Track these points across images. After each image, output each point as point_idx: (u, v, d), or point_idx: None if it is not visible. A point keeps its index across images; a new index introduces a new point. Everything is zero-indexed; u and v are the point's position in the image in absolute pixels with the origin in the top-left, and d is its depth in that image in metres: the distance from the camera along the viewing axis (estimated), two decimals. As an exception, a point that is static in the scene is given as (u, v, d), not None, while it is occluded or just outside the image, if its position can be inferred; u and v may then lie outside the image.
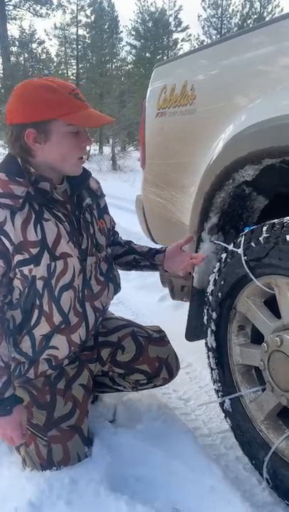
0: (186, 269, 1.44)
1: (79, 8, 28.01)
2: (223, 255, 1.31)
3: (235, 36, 1.37)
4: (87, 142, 1.22)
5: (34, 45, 29.69)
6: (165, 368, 1.46)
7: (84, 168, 1.31)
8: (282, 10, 25.92)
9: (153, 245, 1.64)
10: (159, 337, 1.51)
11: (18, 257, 1.16)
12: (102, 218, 1.39)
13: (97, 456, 1.24)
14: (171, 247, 1.46)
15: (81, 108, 1.17)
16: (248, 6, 27.79)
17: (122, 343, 1.44)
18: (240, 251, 1.21)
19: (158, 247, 1.55)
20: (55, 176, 1.23)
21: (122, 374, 1.45)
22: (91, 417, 1.41)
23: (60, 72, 28.52)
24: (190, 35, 29.04)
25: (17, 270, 1.18)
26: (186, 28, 28.62)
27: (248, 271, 1.19)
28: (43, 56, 30.25)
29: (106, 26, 29.52)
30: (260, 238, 1.13)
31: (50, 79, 1.20)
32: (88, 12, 28.37)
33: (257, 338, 1.28)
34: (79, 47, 28.88)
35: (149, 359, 1.44)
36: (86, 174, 1.33)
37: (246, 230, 1.22)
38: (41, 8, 25.97)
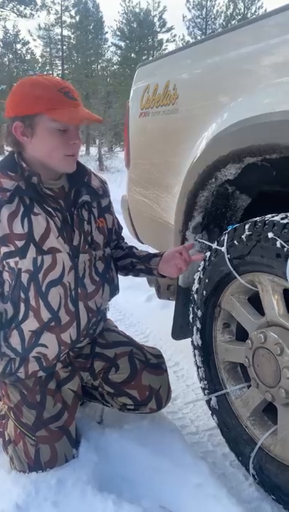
0: (182, 265, 1.36)
1: (63, 8, 27.92)
2: (208, 254, 1.32)
3: (217, 36, 1.38)
4: (76, 141, 1.22)
5: (18, 46, 29.45)
6: (154, 399, 1.41)
7: (83, 166, 1.33)
8: (265, 11, 26.16)
9: (147, 248, 1.63)
10: (156, 363, 1.46)
11: (3, 249, 1.18)
12: (102, 217, 1.38)
13: (84, 457, 1.24)
14: (169, 251, 1.42)
15: (68, 105, 1.17)
16: (231, 7, 28.03)
17: (118, 362, 1.41)
18: (223, 249, 1.22)
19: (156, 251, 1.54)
20: (47, 172, 1.24)
21: (111, 394, 1.42)
22: (79, 418, 1.41)
23: (45, 73, 28.30)
24: (175, 35, 29.24)
25: (4, 262, 1.19)
26: (171, 28, 28.73)
27: (231, 269, 1.20)
28: (28, 57, 30.03)
29: (91, 27, 29.47)
30: (243, 236, 1.14)
31: (46, 76, 1.22)
32: (73, 12, 28.32)
33: (242, 335, 1.29)
34: (64, 47, 28.78)
35: (140, 386, 1.40)
36: (84, 171, 1.33)
37: (229, 228, 1.23)
38: (25, 8, 25.78)
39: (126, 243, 1.55)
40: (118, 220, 1.53)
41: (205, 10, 28.36)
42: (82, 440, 1.31)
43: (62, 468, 1.20)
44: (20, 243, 1.18)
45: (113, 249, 1.50)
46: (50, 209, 1.23)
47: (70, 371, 1.37)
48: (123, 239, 1.56)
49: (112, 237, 1.48)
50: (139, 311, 2.66)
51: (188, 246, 1.38)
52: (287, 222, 1.01)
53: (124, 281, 3.09)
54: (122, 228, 1.55)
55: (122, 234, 1.58)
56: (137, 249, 1.53)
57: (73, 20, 28.65)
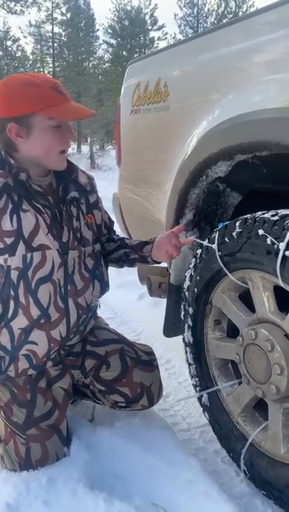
0: (172, 251, 1.36)
1: (54, 5, 27.75)
2: (199, 251, 1.32)
3: (207, 33, 1.38)
4: (70, 135, 1.22)
5: (9, 43, 29.21)
6: (146, 396, 1.40)
7: (70, 162, 1.32)
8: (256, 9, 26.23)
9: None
10: (147, 360, 1.46)
11: None
12: (90, 213, 1.37)
13: (75, 455, 1.23)
14: (160, 237, 1.42)
15: (62, 102, 1.17)
16: (223, 5, 28.08)
17: (108, 359, 1.40)
18: (214, 246, 1.22)
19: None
20: (36, 169, 1.23)
21: (103, 391, 1.41)
22: (70, 416, 1.40)
23: (36, 70, 28.14)
24: (166, 33, 29.16)
25: None
26: (162, 26, 28.72)
27: (222, 266, 1.20)
28: (19, 54, 29.80)
29: (82, 24, 29.33)
30: (234, 233, 1.14)
31: (32, 74, 1.21)
32: (64, 9, 28.14)
33: (233, 332, 1.29)
34: (55, 45, 28.59)
35: (131, 383, 1.39)
36: (72, 168, 1.33)
37: (220, 225, 1.23)
38: (15, 5, 25.57)
39: (117, 235, 1.54)
40: (108, 215, 1.52)
41: (196, 8, 28.39)
42: (73, 438, 1.30)
43: (53, 467, 1.19)
44: (9, 240, 1.17)
45: (105, 242, 1.49)
46: (39, 205, 1.22)
47: (61, 369, 1.36)
48: (114, 232, 1.55)
49: (103, 232, 1.47)
50: (130, 309, 2.66)
51: (177, 230, 1.38)
52: (277, 220, 1.01)
53: (116, 279, 3.13)
54: (112, 222, 1.54)
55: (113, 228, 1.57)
56: (129, 239, 1.52)
57: (64, 18, 28.48)
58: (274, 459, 1.13)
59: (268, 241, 1.01)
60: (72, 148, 20.24)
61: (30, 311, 1.22)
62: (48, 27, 28.44)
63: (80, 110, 1.21)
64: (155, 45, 28.89)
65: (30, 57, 30.51)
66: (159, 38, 28.85)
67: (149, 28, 28.97)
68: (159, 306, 2.44)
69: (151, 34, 29.26)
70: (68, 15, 28.39)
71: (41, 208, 1.22)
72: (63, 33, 28.98)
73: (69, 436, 1.31)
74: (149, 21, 28.88)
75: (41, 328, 1.25)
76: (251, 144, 1.07)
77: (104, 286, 1.43)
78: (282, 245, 0.97)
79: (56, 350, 1.33)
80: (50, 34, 28.59)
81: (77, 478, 1.13)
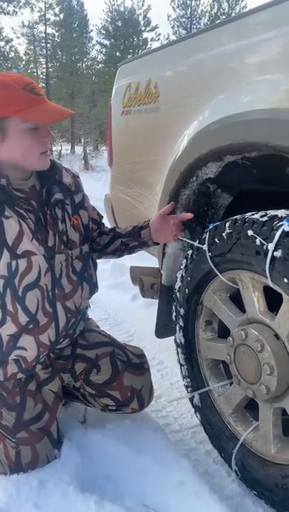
0: (176, 232, 1.37)
1: (47, 6, 27.67)
2: (190, 252, 1.32)
3: (197, 34, 1.38)
4: (49, 137, 1.18)
5: (2, 44, 29.07)
6: (136, 399, 1.39)
7: (53, 162, 1.28)
8: (249, 11, 26.32)
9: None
10: (138, 363, 1.44)
11: None
12: (76, 214, 1.34)
13: (66, 457, 1.23)
14: (153, 219, 1.41)
15: (37, 103, 1.12)
16: (216, 6, 28.18)
17: (99, 363, 1.39)
18: (205, 247, 1.22)
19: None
20: (17, 172, 1.20)
21: (93, 395, 1.41)
22: (61, 418, 1.40)
23: (29, 71, 28.07)
24: (159, 34, 29.18)
25: None
26: (156, 27, 28.73)
27: (212, 266, 1.20)
28: (12, 54, 29.67)
29: (75, 25, 29.26)
30: (224, 234, 1.14)
31: (5, 74, 1.16)
32: (57, 10, 28.06)
33: (224, 332, 1.30)
34: (48, 45, 28.51)
35: (122, 387, 1.38)
36: (55, 168, 1.28)
37: (211, 226, 1.23)
38: (8, 5, 25.49)
39: (107, 227, 1.52)
40: (97, 211, 1.49)
41: (190, 9, 28.46)
42: (64, 440, 1.30)
43: (43, 470, 1.19)
44: None
45: (97, 237, 1.47)
46: (21, 211, 1.19)
47: (51, 372, 1.35)
48: (103, 225, 1.52)
49: (92, 228, 1.45)
50: (123, 310, 2.65)
51: (167, 209, 1.37)
52: (266, 220, 1.02)
53: (109, 280, 3.13)
54: (102, 217, 1.52)
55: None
56: (119, 228, 1.51)
57: (57, 18, 28.39)
58: (265, 458, 1.14)
59: (257, 242, 1.02)
60: (65, 149, 20.20)
61: (18, 318, 1.21)
62: (41, 28, 28.37)
63: (57, 111, 1.17)
64: (148, 46, 28.90)
65: (24, 57, 30.40)
66: (152, 39, 28.88)
67: (143, 29, 28.98)
68: (152, 307, 2.43)
69: (145, 35, 29.28)
70: (61, 15, 28.32)
71: (24, 213, 1.19)
72: (56, 34, 28.89)
73: (60, 438, 1.30)
74: (142, 22, 28.89)
75: (30, 333, 1.24)
76: (240, 145, 1.07)
77: (93, 288, 1.42)
78: (271, 246, 0.98)
79: (46, 355, 1.32)
80: (44, 35, 28.49)
81: (67, 481, 1.13)
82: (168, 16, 28.91)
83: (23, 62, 29.99)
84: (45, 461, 1.22)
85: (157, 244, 1.45)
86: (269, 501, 1.13)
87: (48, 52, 28.57)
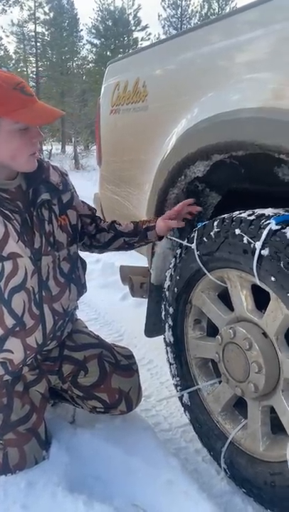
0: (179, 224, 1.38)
1: (37, 4, 27.48)
2: (178, 251, 1.32)
3: (186, 32, 1.38)
4: (38, 137, 1.16)
5: (-9, 42, 28.83)
6: (124, 402, 1.38)
7: (40, 162, 1.25)
8: (239, 11, 26.44)
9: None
10: (126, 365, 1.43)
11: None
12: (64, 214, 1.31)
13: (54, 458, 1.22)
14: (159, 224, 1.38)
15: (28, 103, 1.10)
16: (206, 6, 28.26)
17: (87, 365, 1.37)
18: (193, 246, 1.22)
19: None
20: (5, 172, 1.18)
21: (81, 397, 1.39)
22: (50, 419, 1.39)
23: (19, 69, 27.85)
24: (150, 34, 29.08)
25: None
26: (146, 27, 28.71)
27: (201, 265, 1.20)
28: (1, 53, 29.44)
29: (66, 24, 29.11)
30: (212, 233, 1.14)
31: None
32: (46, 9, 27.87)
33: (213, 331, 1.30)
34: (38, 44, 28.33)
35: (109, 389, 1.37)
36: (42, 167, 1.26)
37: (199, 225, 1.23)
38: (-3, 3, 25.26)
39: (105, 223, 1.48)
40: (88, 204, 1.46)
41: (180, 9, 28.50)
42: (53, 441, 1.29)
43: (32, 471, 1.18)
44: None
45: (96, 233, 1.45)
46: (7, 212, 1.16)
47: (38, 374, 1.33)
48: (100, 219, 1.49)
49: (86, 221, 1.42)
50: (114, 309, 2.65)
51: (183, 204, 1.36)
52: (253, 219, 1.02)
53: (99, 279, 3.12)
54: (95, 210, 1.49)
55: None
56: (120, 224, 1.46)
57: (47, 17, 28.22)
58: (253, 456, 1.14)
59: (245, 240, 1.02)
60: (56, 149, 20.10)
61: (4, 321, 1.19)
62: (31, 26, 28.17)
63: (48, 112, 1.14)
64: (139, 45, 28.87)
65: (13, 56, 30.16)
66: (142, 39, 28.85)
67: (133, 28, 28.96)
68: (142, 307, 2.42)
69: (135, 34, 29.24)
70: (51, 14, 28.15)
71: (10, 214, 1.16)
72: (46, 33, 28.71)
73: (48, 439, 1.29)
74: (132, 22, 28.86)
75: (16, 335, 1.22)
76: (227, 144, 1.08)
77: (81, 289, 1.40)
78: (258, 244, 0.98)
79: (33, 357, 1.30)
80: (33, 33, 28.32)
81: (56, 482, 1.12)
82: (158, 16, 29.02)
83: (13, 61, 29.76)
84: (33, 463, 1.21)
85: (162, 238, 1.44)
86: (258, 499, 1.13)
87: (38, 51, 28.38)
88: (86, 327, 1.52)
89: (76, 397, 1.41)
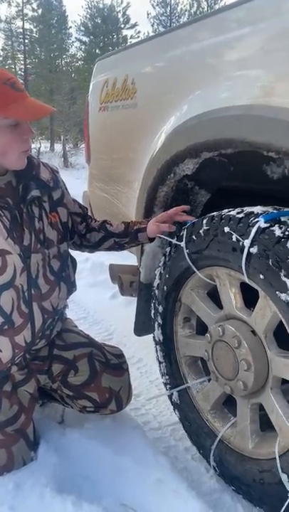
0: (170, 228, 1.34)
1: (25, 1, 27.25)
2: (168, 249, 1.32)
3: (174, 30, 1.38)
4: (29, 134, 1.14)
5: (-22, 38, 28.49)
6: (114, 401, 1.37)
7: (30, 158, 1.24)
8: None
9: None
10: (117, 364, 1.42)
11: None
12: (54, 211, 1.29)
13: (43, 459, 1.21)
14: (151, 227, 1.36)
15: (18, 99, 1.09)
16: (195, 5, 28.33)
17: (77, 364, 1.36)
18: (182, 244, 1.22)
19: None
20: None
21: (71, 396, 1.38)
22: (38, 419, 1.38)
23: (7, 66, 27.59)
24: (139, 32, 29.09)
25: None
26: (135, 25, 28.71)
27: (190, 263, 1.20)
28: (-11, 50, 29.14)
29: (54, 21, 28.92)
30: (201, 231, 1.14)
31: None
32: (35, 5, 27.67)
33: (202, 329, 1.30)
34: (26, 41, 28.09)
35: (100, 388, 1.36)
36: (32, 164, 1.24)
37: (188, 223, 1.23)
38: (-15, -1, 24.96)
39: (95, 222, 1.46)
40: (78, 202, 1.45)
41: (169, 8, 28.53)
42: (41, 441, 1.28)
43: (20, 472, 1.17)
44: None
45: (87, 233, 1.43)
46: None
47: (26, 373, 1.32)
48: (91, 218, 1.47)
49: (76, 220, 1.41)
50: (103, 308, 2.63)
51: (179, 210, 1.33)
52: (242, 217, 1.02)
53: (88, 278, 3.10)
54: (86, 208, 1.47)
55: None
56: (111, 224, 1.44)
57: (35, 14, 28.01)
58: (242, 454, 1.14)
59: (234, 238, 1.02)
60: (44, 147, 19.96)
61: None
62: (19, 23, 27.96)
63: (38, 108, 1.13)
64: (128, 43, 28.81)
65: (1, 53, 29.88)
66: (132, 37, 28.82)
67: (122, 26, 28.90)
68: (131, 305, 2.41)
69: (124, 32, 29.21)
70: (40, 11, 27.94)
71: None
72: (35, 30, 28.50)
73: (37, 439, 1.28)
74: (121, 19, 28.81)
75: (4, 334, 1.21)
76: (216, 142, 1.07)
77: (71, 288, 1.39)
78: (247, 242, 0.98)
79: (21, 356, 1.29)
80: (21, 30, 28.07)
81: (44, 482, 1.11)
82: (147, 14, 28.95)
83: (1, 58, 29.48)
84: (21, 464, 1.20)
85: (153, 240, 1.41)
86: (247, 496, 1.13)
87: (26, 48, 28.15)
88: (76, 326, 1.51)
89: (66, 397, 1.40)
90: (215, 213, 1.12)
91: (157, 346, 1.43)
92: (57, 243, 1.30)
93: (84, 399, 1.37)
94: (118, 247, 1.45)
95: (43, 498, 1.07)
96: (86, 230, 1.44)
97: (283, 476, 0.98)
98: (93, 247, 1.46)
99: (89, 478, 1.20)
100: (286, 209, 1.03)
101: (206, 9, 27.95)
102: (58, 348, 1.38)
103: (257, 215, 1.00)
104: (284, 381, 1.04)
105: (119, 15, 28.76)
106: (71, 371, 1.36)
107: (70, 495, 1.08)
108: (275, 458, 1.01)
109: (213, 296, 1.23)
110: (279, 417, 1.02)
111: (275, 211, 1.00)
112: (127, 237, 1.41)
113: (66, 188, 1.39)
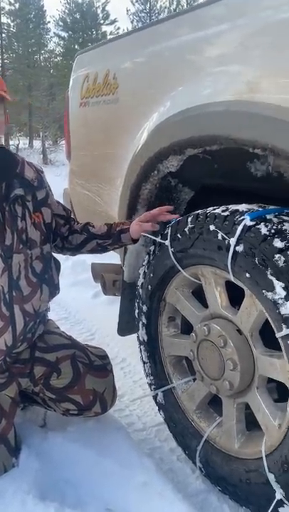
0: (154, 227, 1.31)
1: (2, -6, 26.67)
2: (152, 248, 1.29)
3: (156, 24, 1.35)
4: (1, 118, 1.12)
5: None
6: (99, 403, 1.34)
7: (13, 156, 1.21)
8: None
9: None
10: (100, 365, 1.39)
11: None
12: (38, 211, 1.27)
13: (24, 464, 1.18)
14: (134, 227, 1.33)
15: None
16: (175, 2, 28.33)
17: (59, 366, 1.33)
18: (167, 242, 1.20)
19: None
20: None
21: (54, 399, 1.34)
22: (20, 424, 1.34)
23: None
24: (118, 28, 28.81)
25: None
26: (115, 21, 28.45)
27: (175, 262, 1.18)
28: None
29: (32, 15, 28.42)
30: (186, 229, 1.12)
31: None
32: (12, -1, 27.12)
33: (187, 328, 1.28)
34: (3, 36, 27.53)
35: (83, 390, 1.32)
36: (15, 162, 1.21)
37: (173, 221, 1.21)
38: None
39: (78, 224, 1.43)
40: (62, 205, 1.42)
41: (149, 4, 28.43)
42: (23, 447, 1.24)
43: (1, 479, 1.13)
44: None
45: (69, 235, 1.40)
46: None
47: (7, 377, 1.28)
48: (74, 220, 1.44)
49: (59, 222, 1.38)
50: (85, 308, 2.60)
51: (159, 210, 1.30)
52: (227, 215, 1.01)
53: (69, 277, 3.06)
54: (69, 211, 1.45)
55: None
56: (94, 226, 1.41)
57: (12, 8, 27.45)
58: (229, 454, 1.13)
59: (219, 236, 1.00)
60: (23, 143, 19.64)
61: None
62: (-4, 17, 27.33)
63: None
64: (108, 39, 28.58)
65: (-23, 47, 29.19)
66: (111, 33, 28.53)
67: (101, 22, 28.63)
68: (114, 304, 2.39)
69: (104, 28, 28.92)
70: (17, 5, 27.38)
71: None
72: (12, 24, 27.93)
73: (18, 445, 1.24)
74: (101, 15, 28.53)
75: None
76: (201, 138, 1.06)
77: (54, 290, 1.35)
78: (232, 240, 0.97)
79: (2, 359, 1.25)
80: (-2, 24, 27.48)
81: (26, 489, 1.08)
82: (127, 11, 28.85)
83: (-23, 52, 28.81)
84: (2, 470, 1.16)
85: (136, 241, 1.38)
86: (233, 496, 1.13)
87: (4, 42, 27.58)
88: (58, 327, 1.48)
89: (48, 400, 1.36)
90: (200, 211, 1.10)
91: (141, 346, 1.41)
92: (40, 244, 1.27)
93: (67, 402, 1.33)
94: (101, 249, 1.42)
95: (25, 505, 1.04)
96: (68, 233, 1.41)
97: (270, 476, 0.98)
98: (75, 250, 1.43)
99: (72, 483, 1.17)
100: (271, 207, 1.02)
101: (185, 7, 28.01)
102: (40, 350, 1.35)
103: (242, 213, 0.99)
104: (270, 380, 1.04)
105: (99, 10, 28.47)
106: (54, 374, 1.33)
107: (53, 501, 1.06)
108: (261, 457, 1.00)
109: (199, 295, 1.22)
110: (265, 416, 1.01)
111: (260, 209, 0.99)
112: (110, 238, 1.38)
113: (50, 189, 1.36)
